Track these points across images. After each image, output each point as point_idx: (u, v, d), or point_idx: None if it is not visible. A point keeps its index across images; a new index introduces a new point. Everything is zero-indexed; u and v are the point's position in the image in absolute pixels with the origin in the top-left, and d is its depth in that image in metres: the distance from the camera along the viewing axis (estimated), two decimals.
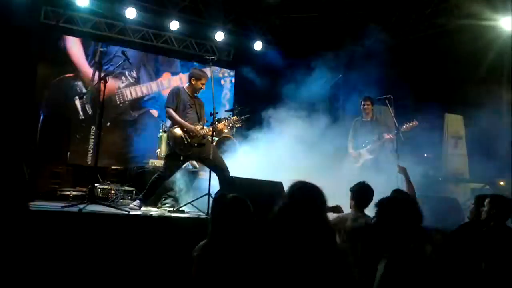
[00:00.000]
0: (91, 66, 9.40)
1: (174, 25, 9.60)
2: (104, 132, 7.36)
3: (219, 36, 10.05)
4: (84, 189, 6.70)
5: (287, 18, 10.66)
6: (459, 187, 8.70)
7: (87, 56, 9.40)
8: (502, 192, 7.42)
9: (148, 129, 9.60)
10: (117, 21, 9.49)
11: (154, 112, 10.05)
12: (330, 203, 3.09)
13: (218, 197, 3.21)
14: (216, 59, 6.81)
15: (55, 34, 9.08)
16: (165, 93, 10.03)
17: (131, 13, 9.09)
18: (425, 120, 7.48)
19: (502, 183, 8.36)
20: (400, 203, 2.73)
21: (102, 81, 5.87)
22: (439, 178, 8.63)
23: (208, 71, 6.48)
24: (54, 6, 8.91)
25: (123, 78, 9.63)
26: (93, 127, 9.07)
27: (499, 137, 7.90)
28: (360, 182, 4.29)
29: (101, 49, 9.44)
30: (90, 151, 9.07)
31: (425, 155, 8.64)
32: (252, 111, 8.06)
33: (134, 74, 9.84)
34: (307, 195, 2.53)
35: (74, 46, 9.29)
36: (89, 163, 8.87)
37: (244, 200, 2.97)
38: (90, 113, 9.10)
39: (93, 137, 9.08)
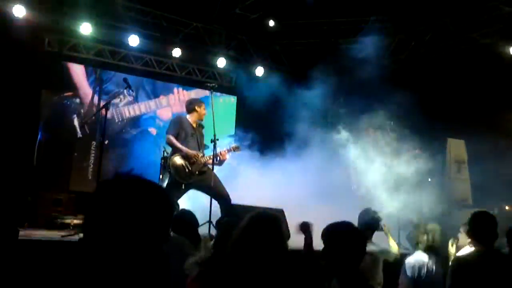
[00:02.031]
0: (90, 84, 9.48)
1: (177, 52, 9.70)
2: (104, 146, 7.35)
3: (221, 62, 10.13)
4: None
5: (288, 44, 10.79)
6: (464, 213, 8.61)
7: (87, 74, 9.48)
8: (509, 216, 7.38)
9: (146, 148, 9.60)
10: (119, 48, 9.59)
11: (153, 131, 10.08)
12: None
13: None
14: (216, 85, 6.90)
15: (59, 61, 9.18)
16: (163, 112, 10.18)
17: (134, 40, 9.19)
18: (427, 146, 7.47)
19: (507, 207, 8.30)
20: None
21: (104, 109, 5.89)
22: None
23: (208, 97, 6.54)
24: (57, 34, 9.03)
25: (121, 96, 9.65)
26: (93, 143, 9.12)
27: (503, 162, 7.86)
28: None
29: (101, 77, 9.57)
30: (90, 166, 9.10)
31: (429, 179, 8.59)
32: (254, 136, 8.08)
33: (132, 92, 9.89)
34: (260, 228, 2.37)
35: (75, 66, 9.41)
36: (90, 178, 8.89)
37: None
38: (88, 132, 9.12)
39: (93, 153, 9.11)
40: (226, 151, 6.24)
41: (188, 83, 10.56)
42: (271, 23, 9.99)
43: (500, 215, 8.05)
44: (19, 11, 8.01)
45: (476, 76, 8.46)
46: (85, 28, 8.69)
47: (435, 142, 8.21)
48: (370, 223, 4.26)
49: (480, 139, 7.99)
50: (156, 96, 10.29)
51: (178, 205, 6.48)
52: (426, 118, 8.20)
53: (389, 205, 6.41)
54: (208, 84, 6.59)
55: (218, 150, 6.14)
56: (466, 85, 8.62)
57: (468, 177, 9.53)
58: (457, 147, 9.78)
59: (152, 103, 10.21)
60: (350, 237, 2.52)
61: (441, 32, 8.96)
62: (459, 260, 3.37)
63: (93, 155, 9.15)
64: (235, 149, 6.41)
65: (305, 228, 3.69)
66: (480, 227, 3.47)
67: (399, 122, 7.44)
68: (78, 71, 9.42)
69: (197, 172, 5.99)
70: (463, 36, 8.54)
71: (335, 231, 2.56)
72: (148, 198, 1.42)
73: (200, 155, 6.04)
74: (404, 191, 6.36)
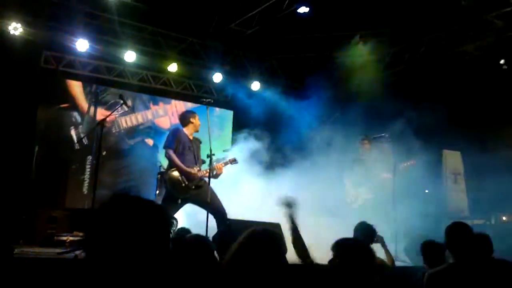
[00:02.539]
0: (87, 97, 9.52)
1: (173, 67, 9.75)
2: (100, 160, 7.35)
3: (217, 77, 10.19)
4: (82, 234, 6.64)
5: (284, 58, 10.86)
6: None
7: (84, 87, 9.53)
8: (505, 226, 7.37)
9: (143, 158, 9.63)
10: (116, 64, 9.64)
11: (149, 141, 10.11)
12: (324, 242, 2.98)
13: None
14: (213, 101, 6.90)
15: (55, 78, 9.22)
16: (160, 122, 10.21)
17: (130, 56, 9.25)
18: (423, 157, 7.49)
19: (504, 218, 8.29)
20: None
21: (100, 125, 5.89)
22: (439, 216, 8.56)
23: (204, 112, 6.55)
24: (54, 51, 9.08)
25: (119, 108, 9.67)
26: (89, 157, 9.12)
27: (498, 172, 7.88)
28: None
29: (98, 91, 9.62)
30: (86, 180, 9.08)
31: (426, 191, 8.59)
32: (250, 150, 8.08)
33: (129, 103, 9.90)
34: (257, 245, 2.29)
35: (72, 82, 9.46)
36: (85, 193, 8.88)
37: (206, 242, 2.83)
38: (86, 143, 9.13)
39: (89, 167, 9.10)
40: (223, 164, 6.23)
41: (184, 98, 10.61)
42: (267, 38, 10.08)
43: (498, 226, 8.07)
44: (15, 28, 8.06)
45: (470, 88, 8.53)
46: (81, 45, 8.74)
47: (431, 154, 8.21)
48: (366, 236, 4.25)
49: (476, 150, 8.02)
50: (154, 104, 10.33)
51: (176, 220, 6.47)
52: (421, 130, 8.25)
53: (385, 217, 6.40)
54: (204, 100, 6.58)
55: (214, 164, 6.14)
56: (461, 97, 8.68)
57: (464, 188, 9.55)
58: (453, 158, 9.81)
59: (149, 113, 10.24)
60: (364, 253, 2.53)
61: (435, 45, 9.04)
62: (433, 274, 3.31)
63: (89, 168, 9.14)
64: (232, 162, 6.40)
65: (289, 204, 3.31)
66: (455, 239, 3.41)
67: (394, 134, 7.46)
68: (75, 85, 9.47)
69: (193, 187, 5.98)
70: (457, 49, 8.61)
71: (350, 247, 2.58)
72: (144, 216, 1.47)
73: (197, 169, 6.03)
74: (400, 202, 6.34)
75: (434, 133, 8.52)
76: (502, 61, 8.09)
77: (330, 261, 2.65)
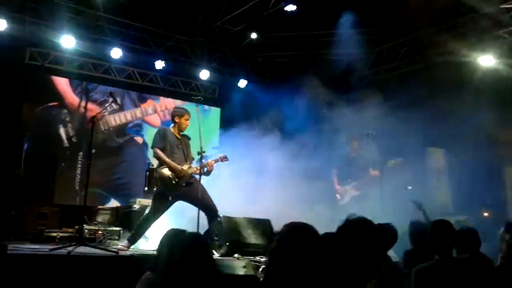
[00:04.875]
0: (76, 95, 9.47)
1: (159, 64, 9.75)
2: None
3: (204, 74, 10.22)
4: (71, 230, 6.64)
5: (270, 56, 10.95)
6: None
7: (72, 84, 9.49)
8: (485, 222, 7.57)
9: (132, 156, 9.72)
10: (102, 61, 9.60)
11: (139, 139, 10.14)
12: None
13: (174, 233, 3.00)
14: (202, 98, 6.90)
15: (41, 74, 9.15)
16: (149, 120, 10.23)
17: (116, 53, 9.23)
18: (407, 155, 7.64)
19: (486, 214, 8.50)
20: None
21: (91, 123, 5.88)
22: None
23: (193, 109, 6.56)
24: (39, 47, 9.00)
25: (108, 107, 9.66)
26: (80, 153, 9.13)
27: (480, 169, 8.08)
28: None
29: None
30: (77, 176, 9.08)
31: (409, 187, 8.76)
32: (238, 147, 8.14)
33: (118, 100, 9.90)
34: (296, 238, 2.31)
35: (59, 78, 9.41)
36: (77, 188, 8.86)
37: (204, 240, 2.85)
38: (75, 141, 9.08)
39: (80, 164, 9.09)
40: (214, 162, 6.24)
41: (172, 95, 10.61)
42: (253, 35, 10.15)
43: (480, 222, 8.27)
44: (0, 24, 7.97)
45: (454, 87, 8.71)
46: (67, 41, 8.68)
47: (415, 151, 8.39)
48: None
49: (458, 147, 8.21)
50: (143, 102, 10.33)
51: None
52: (405, 128, 8.41)
53: (372, 214, 6.53)
54: (194, 97, 6.59)
55: (205, 161, 6.17)
56: (444, 95, 8.86)
57: (447, 185, 9.74)
58: (436, 156, 10.00)
59: (138, 111, 10.25)
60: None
61: (419, 44, 9.22)
62: (419, 271, 3.42)
63: (80, 165, 9.13)
64: (223, 159, 6.43)
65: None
66: (438, 236, 3.49)
67: (379, 131, 7.59)
68: (62, 82, 9.42)
69: (184, 184, 6.00)
70: (440, 48, 8.79)
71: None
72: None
73: (187, 166, 6.05)
74: (387, 199, 6.48)
75: (418, 131, 8.68)
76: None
77: None
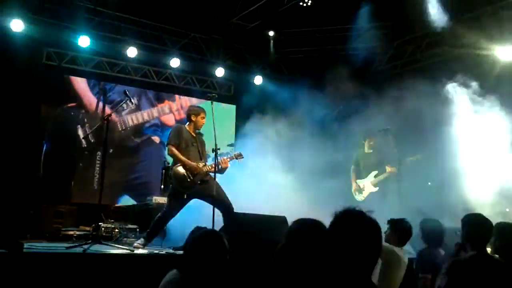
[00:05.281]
0: (94, 95, 9.55)
1: (175, 63, 9.75)
2: (107, 158, 7.38)
3: (220, 72, 10.20)
4: (88, 228, 6.67)
5: (286, 52, 10.86)
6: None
7: (90, 85, 9.56)
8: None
9: (150, 155, 9.77)
10: (118, 60, 9.64)
11: (156, 139, 10.18)
12: None
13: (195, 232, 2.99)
14: (217, 95, 6.88)
15: (58, 74, 9.22)
16: (166, 119, 10.25)
17: (132, 52, 9.26)
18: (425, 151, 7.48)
19: (507, 209, 8.29)
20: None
21: (105, 120, 5.89)
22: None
23: (208, 107, 6.53)
24: (56, 48, 9.07)
25: (123, 105, 9.68)
26: (99, 153, 9.19)
27: None
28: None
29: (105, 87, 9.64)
30: (96, 176, 9.15)
31: (429, 183, 8.60)
32: (254, 144, 8.09)
33: (135, 100, 9.92)
34: (305, 235, 2.30)
35: (77, 79, 9.49)
36: (95, 187, 8.95)
37: (220, 236, 2.82)
38: (93, 141, 9.15)
39: (98, 163, 9.15)
40: (228, 159, 6.21)
41: (187, 93, 10.61)
42: (269, 32, 10.09)
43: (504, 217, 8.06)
44: (17, 25, 8.05)
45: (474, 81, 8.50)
46: (84, 41, 8.73)
47: (434, 146, 8.23)
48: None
49: None
50: (160, 102, 10.37)
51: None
52: (424, 123, 8.25)
53: (390, 211, 6.40)
54: (209, 95, 6.56)
55: (220, 158, 6.13)
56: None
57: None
58: None
59: (154, 111, 10.27)
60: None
61: (437, 37, 9.03)
62: (455, 263, 3.26)
63: (98, 164, 9.21)
64: (238, 157, 6.39)
65: None
66: (473, 230, 3.34)
67: (398, 127, 7.46)
68: (80, 83, 9.50)
69: (199, 182, 5.98)
70: (459, 42, 8.59)
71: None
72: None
73: (202, 164, 6.03)
74: (405, 195, 6.35)
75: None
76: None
77: None
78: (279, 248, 2.34)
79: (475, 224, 3.49)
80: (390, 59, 10.05)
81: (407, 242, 4.15)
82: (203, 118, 6.23)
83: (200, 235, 2.78)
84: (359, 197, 7.38)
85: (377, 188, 7.29)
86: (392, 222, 4.20)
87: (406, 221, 4.19)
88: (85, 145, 9.23)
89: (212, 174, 6.05)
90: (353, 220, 2.03)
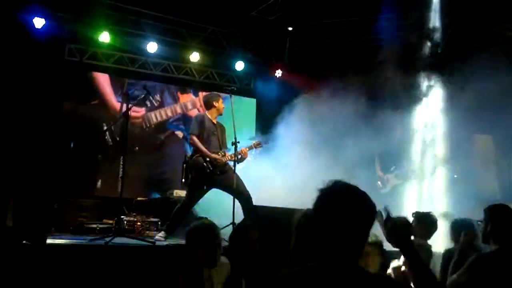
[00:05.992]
0: (116, 91, 9.59)
1: (195, 57, 9.74)
2: (132, 156, 7.45)
3: (239, 65, 10.15)
4: (110, 222, 6.72)
5: (306, 45, 10.73)
6: None
7: (112, 82, 9.60)
8: None
9: (173, 150, 9.79)
10: (138, 55, 9.67)
11: (179, 134, 10.20)
12: None
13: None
14: (236, 89, 6.87)
15: (80, 70, 9.28)
16: (190, 114, 10.20)
17: (152, 47, 9.28)
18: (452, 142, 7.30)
19: None
20: None
21: (125, 114, 5.92)
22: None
23: (227, 100, 6.52)
24: (77, 43, 9.13)
25: (147, 102, 9.72)
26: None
27: None
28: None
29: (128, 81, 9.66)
30: (120, 172, 9.21)
31: (455, 176, 8.40)
32: (273, 137, 8.01)
33: (157, 97, 9.97)
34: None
35: (100, 75, 9.54)
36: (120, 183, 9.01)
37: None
38: (118, 139, 9.21)
39: (122, 162, 9.23)
40: (248, 149, 6.20)
41: (207, 87, 10.56)
42: (289, 25, 9.98)
43: None
44: (38, 22, 8.13)
45: (502, 71, 8.25)
46: (104, 37, 8.78)
47: (461, 139, 8.02)
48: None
49: (507, 134, 7.79)
50: (182, 92, 10.38)
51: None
52: (450, 114, 8.06)
53: (413, 202, 6.28)
54: (228, 88, 6.55)
55: (239, 149, 6.10)
56: (492, 80, 8.41)
57: (496, 173, 9.28)
58: (483, 143, 9.53)
59: (177, 107, 10.27)
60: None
61: (465, 26, 8.77)
62: (480, 258, 3.09)
63: (122, 160, 9.26)
64: (257, 146, 6.36)
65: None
66: (500, 223, 3.06)
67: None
68: (102, 79, 9.54)
69: (218, 172, 5.95)
70: (488, 30, 8.34)
71: None
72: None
73: (221, 154, 6.00)
74: (430, 187, 6.19)
75: (464, 117, 8.29)
76: None
77: None
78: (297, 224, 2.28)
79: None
80: (412, 50, 9.78)
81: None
82: (222, 102, 6.32)
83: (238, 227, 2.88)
84: (383, 189, 7.25)
85: (401, 181, 7.15)
86: (418, 215, 4.08)
87: (432, 214, 4.08)
88: (110, 141, 9.30)
89: (231, 165, 6.01)
90: (336, 196, 1.76)
